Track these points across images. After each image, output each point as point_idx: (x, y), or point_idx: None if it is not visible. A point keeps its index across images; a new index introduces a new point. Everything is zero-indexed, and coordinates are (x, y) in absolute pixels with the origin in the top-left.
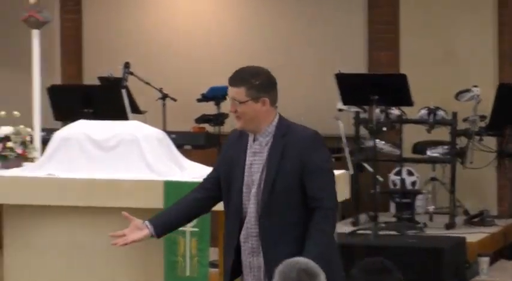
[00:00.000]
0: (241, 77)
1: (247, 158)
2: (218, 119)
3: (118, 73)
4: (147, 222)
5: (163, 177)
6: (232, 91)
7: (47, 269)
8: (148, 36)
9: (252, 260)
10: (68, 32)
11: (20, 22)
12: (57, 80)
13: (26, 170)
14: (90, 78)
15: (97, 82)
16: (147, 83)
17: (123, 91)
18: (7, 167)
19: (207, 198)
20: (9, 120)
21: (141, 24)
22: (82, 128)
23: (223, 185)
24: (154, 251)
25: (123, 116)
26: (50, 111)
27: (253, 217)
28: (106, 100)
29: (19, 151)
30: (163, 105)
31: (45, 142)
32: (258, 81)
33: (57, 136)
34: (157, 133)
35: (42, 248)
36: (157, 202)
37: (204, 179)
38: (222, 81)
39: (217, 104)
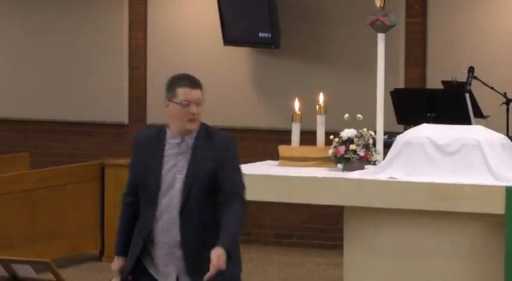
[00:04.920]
0: (197, 80)
1: (165, 160)
2: None
3: (461, 77)
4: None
5: (505, 182)
6: (196, 93)
7: (384, 271)
8: (493, 40)
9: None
10: (413, 35)
11: (366, 25)
12: (401, 84)
13: (368, 173)
14: (433, 82)
15: (440, 86)
16: (491, 88)
17: (467, 96)
18: (350, 170)
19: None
20: (352, 123)
21: (485, 27)
22: (425, 132)
23: (141, 189)
24: (494, 263)
25: (465, 121)
26: (392, 114)
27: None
28: (449, 104)
29: (361, 153)
30: (507, 110)
31: (387, 145)
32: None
33: (400, 140)
34: (500, 138)
35: (381, 250)
36: (498, 207)
37: (129, 187)
38: None
39: None
